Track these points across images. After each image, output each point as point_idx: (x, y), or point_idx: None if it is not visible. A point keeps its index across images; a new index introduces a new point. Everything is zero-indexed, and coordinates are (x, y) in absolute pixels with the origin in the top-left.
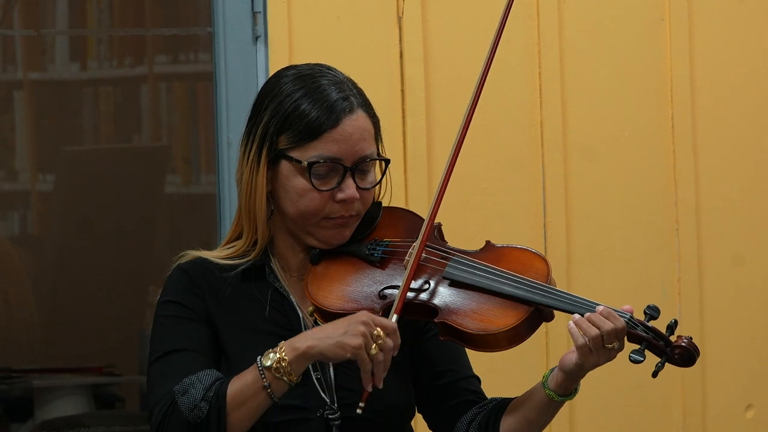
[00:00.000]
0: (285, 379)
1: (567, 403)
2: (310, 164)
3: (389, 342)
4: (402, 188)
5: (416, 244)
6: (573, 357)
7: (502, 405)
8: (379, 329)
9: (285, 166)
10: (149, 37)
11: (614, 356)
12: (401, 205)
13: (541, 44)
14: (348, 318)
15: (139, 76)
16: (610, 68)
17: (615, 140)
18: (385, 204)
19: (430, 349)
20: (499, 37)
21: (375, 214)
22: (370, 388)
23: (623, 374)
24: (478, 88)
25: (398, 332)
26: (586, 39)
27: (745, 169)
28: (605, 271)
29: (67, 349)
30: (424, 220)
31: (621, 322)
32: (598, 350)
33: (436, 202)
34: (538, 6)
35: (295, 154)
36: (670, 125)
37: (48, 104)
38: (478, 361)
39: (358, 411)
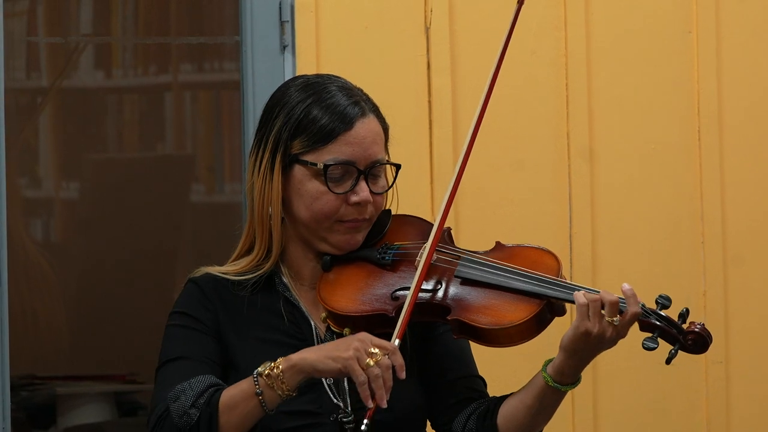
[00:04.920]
0: (276, 388)
1: (591, 414)
2: (326, 166)
3: (386, 360)
4: (428, 197)
5: (426, 245)
6: (571, 326)
7: (502, 397)
8: (375, 348)
9: (299, 170)
10: (174, 46)
11: (611, 334)
12: (427, 213)
13: (569, 56)
14: (345, 338)
15: (164, 84)
16: (637, 80)
17: (641, 153)
18: (397, 212)
19: (436, 348)
20: (508, 41)
21: (384, 221)
22: (370, 404)
23: (647, 386)
24: (487, 93)
25: (399, 353)
26: (613, 51)
27: None
28: (630, 283)
29: (91, 356)
30: (433, 225)
31: (633, 308)
32: (595, 316)
33: (447, 203)
34: (565, 18)
35: (309, 158)
36: (697, 138)
37: (72, 112)
38: (492, 363)
39: (363, 429)
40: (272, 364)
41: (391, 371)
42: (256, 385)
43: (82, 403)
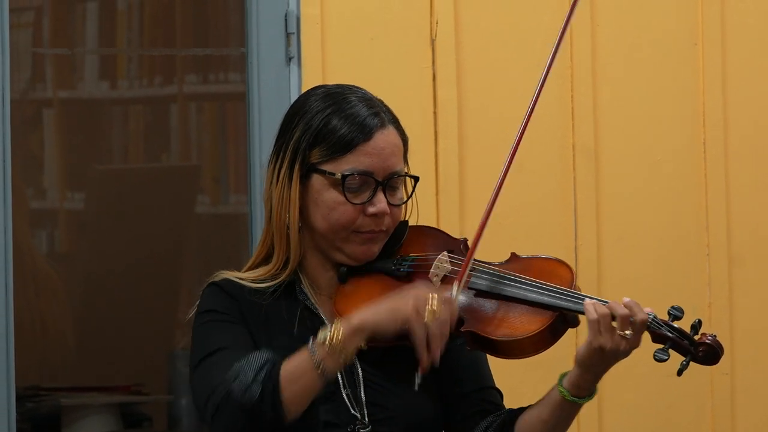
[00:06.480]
0: (339, 354)
1: (596, 425)
2: (344, 176)
3: (444, 315)
4: (434, 209)
5: (467, 258)
6: (585, 342)
7: (520, 409)
8: (430, 300)
9: (317, 180)
10: (179, 57)
11: (625, 347)
12: (432, 225)
13: (574, 67)
14: (404, 293)
15: (169, 95)
16: (643, 92)
17: (647, 164)
18: (412, 223)
19: (451, 359)
20: (553, 58)
21: (401, 232)
22: (425, 360)
23: (652, 397)
24: (530, 110)
25: (454, 303)
26: (618, 63)
27: None
28: (636, 295)
29: (96, 367)
30: (449, 236)
31: (640, 315)
32: (607, 331)
33: (487, 212)
34: (571, 29)
35: (327, 168)
36: (702, 150)
37: (77, 123)
38: (507, 374)
39: (418, 381)
40: (330, 332)
41: (448, 326)
42: (313, 356)
43: (87, 415)
